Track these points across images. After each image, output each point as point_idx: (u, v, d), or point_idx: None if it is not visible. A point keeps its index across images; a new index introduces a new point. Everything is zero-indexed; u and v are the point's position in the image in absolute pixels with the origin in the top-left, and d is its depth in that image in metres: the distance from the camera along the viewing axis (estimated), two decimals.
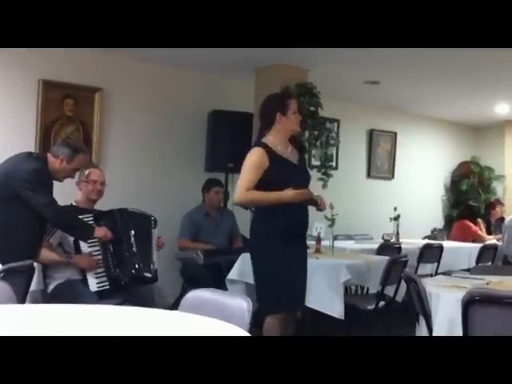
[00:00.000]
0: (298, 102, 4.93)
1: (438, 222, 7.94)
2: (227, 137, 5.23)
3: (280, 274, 3.03)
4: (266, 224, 3.08)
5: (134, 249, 3.46)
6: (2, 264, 2.60)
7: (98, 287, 3.27)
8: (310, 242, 4.71)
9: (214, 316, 1.72)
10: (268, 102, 3.20)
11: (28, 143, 4.50)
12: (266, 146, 3.07)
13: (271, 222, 3.05)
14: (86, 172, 3.54)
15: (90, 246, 3.33)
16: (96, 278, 3.29)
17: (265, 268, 3.07)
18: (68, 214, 3.30)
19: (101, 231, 3.26)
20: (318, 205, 3.20)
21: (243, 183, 3.03)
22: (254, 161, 3.03)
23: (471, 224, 6.39)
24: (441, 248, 5.20)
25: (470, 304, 2.32)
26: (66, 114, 4.87)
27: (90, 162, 4.80)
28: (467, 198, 7.63)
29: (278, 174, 3.04)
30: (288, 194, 3.00)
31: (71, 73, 4.86)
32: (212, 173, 5.33)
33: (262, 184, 3.02)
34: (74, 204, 3.49)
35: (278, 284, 3.03)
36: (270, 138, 3.11)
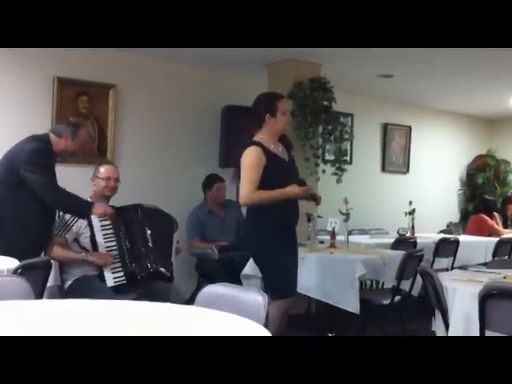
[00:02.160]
0: (311, 96, 5.05)
1: (454, 216, 7.87)
2: (240, 132, 5.22)
3: (278, 267, 3.14)
4: (262, 221, 3.15)
5: (150, 244, 3.48)
6: (17, 258, 2.63)
7: (115, 282, 3.29)
8: (325, 237, 4.72)
9: (230, 311, 1.72)
10: (258, 103, 3.25)
11: None
12: (261, 145, 3.12)
13: (267, 218, 3.12)
14: (100, 169, 3.56)
15: (106, 241, 3.36)
16: (113, 273, 3.31)
17: (265, 263, 3.18)
18: (65, 193, 3.22)
19: (100, 208, 3.23)
20: (317, 200, 3.31)
21: (248, 184, 3.04)
22: (253, 160, 3.07)
23: (487, 218, 6.33)
24: (457, 242, 5.17)
25: (487, 298, 2.30)
26: (81, 111, 4.90)
27: (105, 159, 4.84)
28: (483, 191, 7.55)
29: (274, 171, 3.10)
30: (294, 190, 3.08)
31: (85, 70, 4.89)
32: (225, 168, 5.33)
33: (261, 182, 3.06)
34: (89, 200, 3.51)
35: (286, 277, 3.16)
36: (262, 137, 3.16)
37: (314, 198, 3.29)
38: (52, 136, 3.35)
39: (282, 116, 3.18)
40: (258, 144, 3.12)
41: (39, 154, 3.19)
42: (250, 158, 3.08)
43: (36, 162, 3.15)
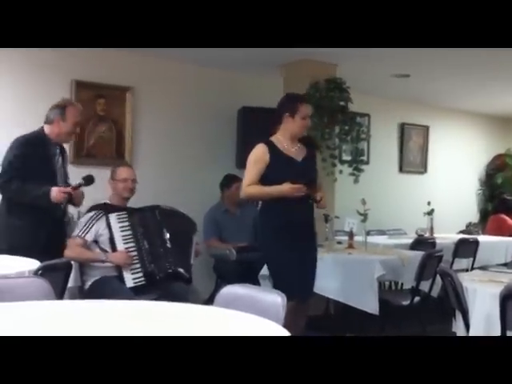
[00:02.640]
0: (327, 97, 5.04)
1: (473, 217, 7.80)
2: (257, 133, 5.22)
3: (286, 268, 3.19)
4: (267, 219, 3.27)
5: (169, 245, 3.49)
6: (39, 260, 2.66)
7: (134, 283, 3.31)
8: (343, 238, 4.71)
9: (249, 311, 1.73)
10: (281, 101, 3.34)
11: None
12: (269, 143, 3.23)
13: (272, 216, 3.23)
14: (117, 171, 3.59)
15: (125, 243, 3.38)
16: (132, 273, 3.33)
17: (274, 264, 3.27)
18: (19, 189, 3.18)
19: (55, 192, 3.18)
20: (317, 202, 3.31)
21: (245, 179, 3.25)
22: (254, 156, 3.23)
23: (507, 218, 6.27)
24: (476, 242, 5.12)
25: (508, 298, 2.28)
26: (99, 114, 4.95)
27: (123, 161, 4.88)
28: (502, 191, 7.47)
29: (276, 169, 3.18)
30: (283, 188, 3.14)
31: (102, 73, 4.93)
32: (242, 169, 5.33)
33: (263, 179, 3.20)
34: (107, 202, 3.54)
35: (286, 276, 3.18)
36: (278, 137, 3.27)
37: (314, 200, 3.30)
38: (45, 126, 3.39)
39: (300, 120, 3.22)
40: (266, 142, 3.24)
41: (11, 148, 3.25)
42: (252, 155, 3.24)
43: (4, 159, 3.25)
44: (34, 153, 3.27)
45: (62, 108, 3.40)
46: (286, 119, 3.21)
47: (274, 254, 3.26)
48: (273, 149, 3.20)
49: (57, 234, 3.36)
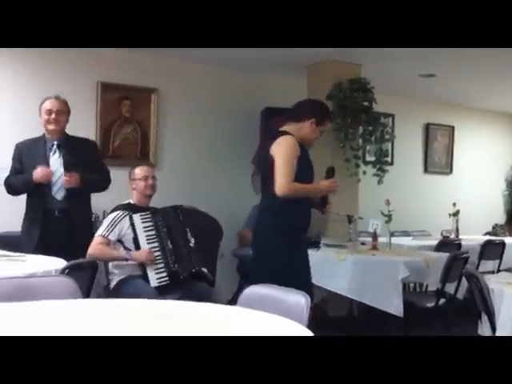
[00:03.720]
0: (351, 97, 5.00)
1: (500, 218, 7.67)
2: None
3: (286, 271, 2.92)
4: (273, 223, 2.99)
5: (192, 244, 3.52)
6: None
7: (159, 282, 3.34)
8: (367, 239, 4.68)
9: (272, 312, 1.73)
10: (312, 105, 3.14)
11: None
12: (293, 136, 2.98)
13: (279, 220, 2.96)
14: (136, 170, 3.62)
15: (148, 243, 3.41)
16: (156, 273, 3.36)
17: (272, 265, 2.96)
18: (13, 181, 3.57)
19: (35, 171, 3.42)
20: (324, 207, 3.14)
21: (284, 174, 2.87)
22: (289, 150, 2.92)
23: None
24: (503, 244, 5.05)
25: None
26: (124, 115, 5.01)
27: (147, 161, 4.92)
28: None
29: (304, 166, 2.98)
30: (321, 185, 3.01)
31: (127, 75, 4.99)
32: None
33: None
34: (131, 202, 3.58)
35: (285, 279, 2.70)
36: (292, 131, 3.00)
37: (325, 203, 3.12)
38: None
39: (319, 132, 3.08)
40: (291, 135, 2.98)
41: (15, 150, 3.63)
42: (287, 148, 2.92)
43: None
44: (28, 152, 3.55)
45: (39, 106, 3.59)
46: (310, 125, 3.02)
47: (288, 257, 2.98)
48: (299, 144, 2.98)
49: (53, 232, 3.44)
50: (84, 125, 4.75)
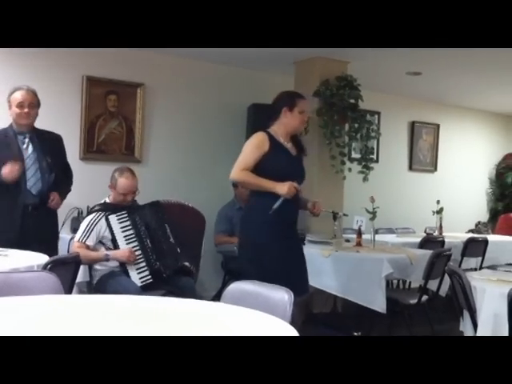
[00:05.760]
0: (338, 94, 5.01)
1: (483, 216, 7.75)
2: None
3: (274, 267, 2.99)
4: (260, 218, 3.05)
5: (172, 240, 3.50)
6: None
7: (142, 282, 3.32)
8: (351, 236, 4.70)
9: (256, 308, 1.73)
10: (279, 97, 3.26)
11: (73, 138, 4.63)
12: (268, 133, 3.13)
13: (264, 216, 3.01)
14: (119, 182, 3.45)
15: (128, 243, 3.38)
16: (138, 273, 3.34)
17: (259, 262, 3.02)
18: None
19: (5, 170, 3.24)
20: (308, 209, 3.23)
21: (240, 162, 3.06)
22: (254, 143, 3.10)
23: None
24: (485, 242, 5.09)
25: None
26: (109, 110, 4.97)
27: (132, 157, 4.89)
28: None
29: (276, 160, 3.07)
30: (280, 186, 2.99)
31: (114, 69, 4.95)
32: None
33: (261, 169, 3.03)
34: (107, 201, 3.53)
35: (273, 276, 2.82)
36: (274, 129, 3.17)
37: (303, 206, 3.23)
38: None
39: (299, 114, 3.16)
40: (265, 131, 3.14)
41: None
42: (251, 141, 3.12)
43: None
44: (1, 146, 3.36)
45: (8, 97, 3.43)
46: (284, 113, 3.14)
47: (271, 251, 3.04)
48: (272, 138, 3.12)
49: (33, 227, 3.33)
50: (69, 119, 4.72)
